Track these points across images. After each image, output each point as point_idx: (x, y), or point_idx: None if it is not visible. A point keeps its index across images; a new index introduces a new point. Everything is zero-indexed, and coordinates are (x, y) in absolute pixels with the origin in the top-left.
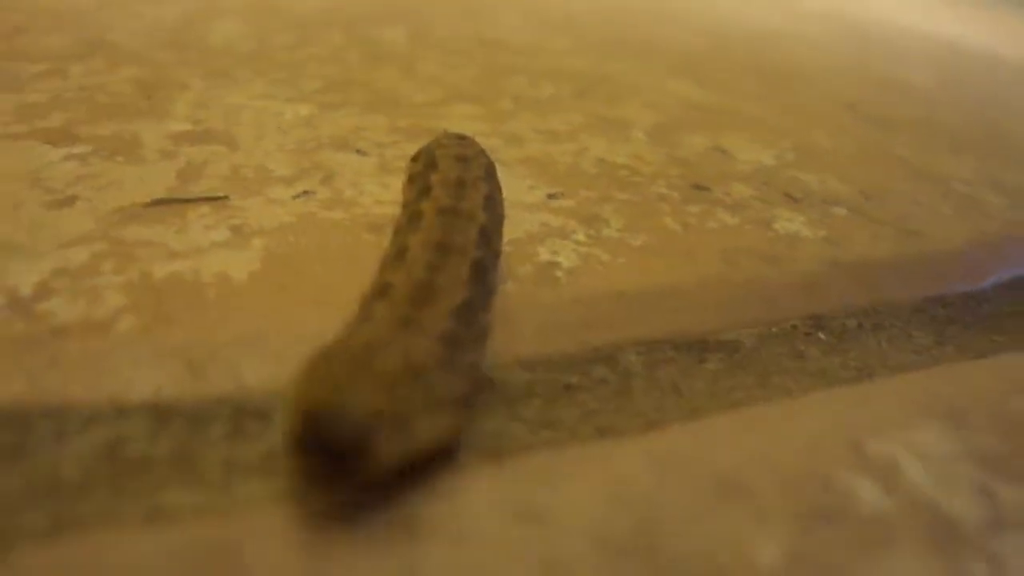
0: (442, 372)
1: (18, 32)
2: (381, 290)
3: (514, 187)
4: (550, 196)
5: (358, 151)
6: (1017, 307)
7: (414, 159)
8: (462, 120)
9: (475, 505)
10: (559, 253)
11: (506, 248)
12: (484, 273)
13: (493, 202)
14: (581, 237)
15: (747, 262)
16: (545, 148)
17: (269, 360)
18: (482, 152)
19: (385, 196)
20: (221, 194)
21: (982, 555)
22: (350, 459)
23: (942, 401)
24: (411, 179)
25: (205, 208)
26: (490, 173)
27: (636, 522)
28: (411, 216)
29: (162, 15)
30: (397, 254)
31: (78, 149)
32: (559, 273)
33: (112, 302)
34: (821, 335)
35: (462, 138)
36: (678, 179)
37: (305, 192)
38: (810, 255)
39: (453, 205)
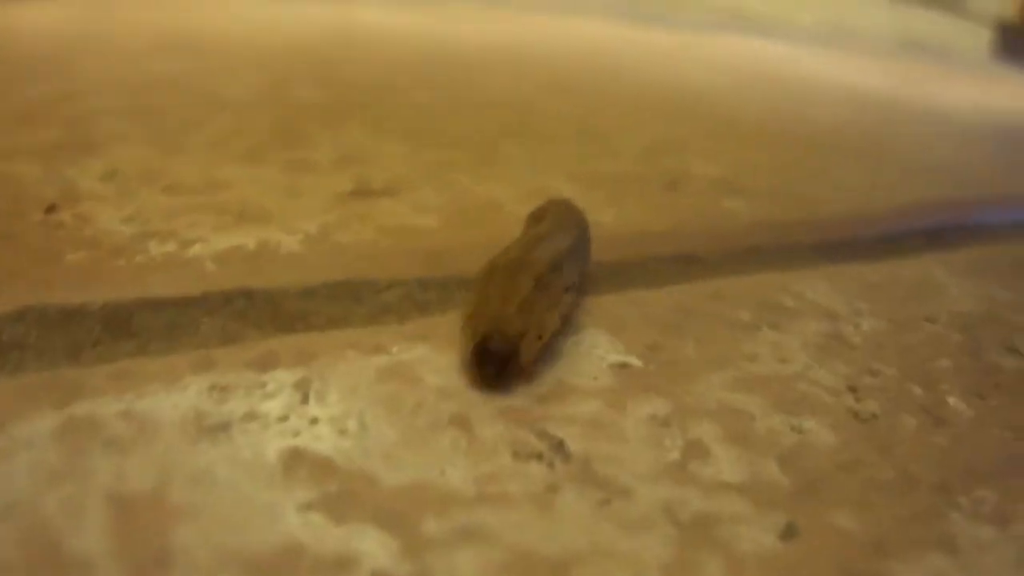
0: (556, 279)
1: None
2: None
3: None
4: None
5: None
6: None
7: (533, 213)
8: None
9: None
10: (602, 212)
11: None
12: (565, 262)
13: (582, 232)
14: (609, 212)
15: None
16: (597, 166)
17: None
18: (579, 211)
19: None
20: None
21: None
22: (509, 360)
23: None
24: (530, 219)
25: (386, 198)
26: (582, 223)
27: None
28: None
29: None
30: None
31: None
32: (606, 219)
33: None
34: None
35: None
36: (655, 177)
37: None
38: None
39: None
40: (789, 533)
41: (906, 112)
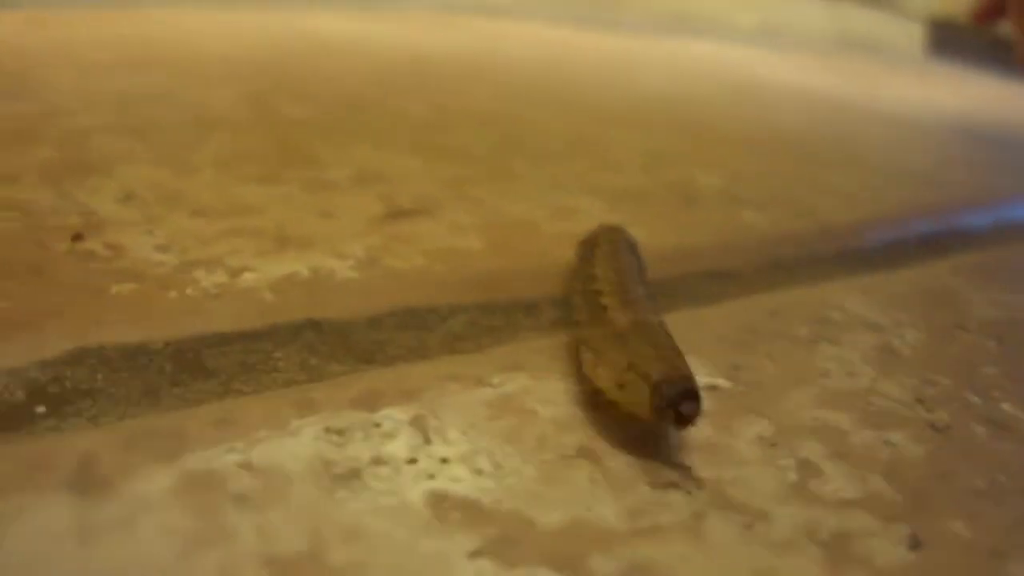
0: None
1: None
2: (590, 296)
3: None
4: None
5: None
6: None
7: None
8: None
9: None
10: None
11: None
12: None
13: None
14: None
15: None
16: (609, 179)
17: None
18: (625, 234)
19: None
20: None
21: None
22: (693, 410)
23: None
24: (582, 247)
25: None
26: (632, 243)
27: None
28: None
29: None
30: (586, 280)
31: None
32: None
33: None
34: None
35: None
36: (667, 191)
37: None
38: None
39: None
40: (915, 544)
41: (864, 113)
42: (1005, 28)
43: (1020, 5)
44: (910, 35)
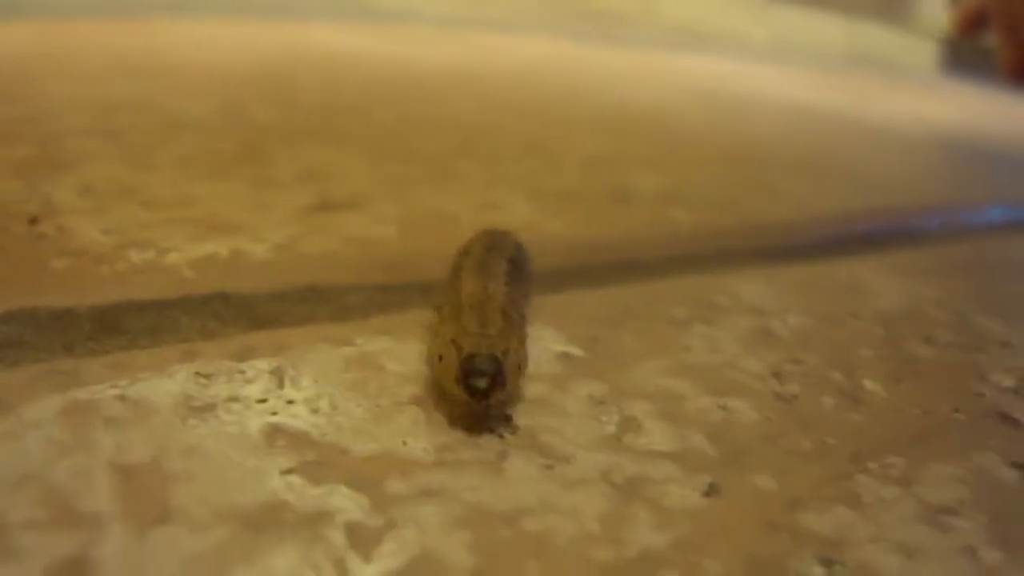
0: (513, 328)
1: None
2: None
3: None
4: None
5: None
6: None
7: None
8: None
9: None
10: (550, 223)
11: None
12: (518, 288)
13: (519, 250)
14: (558, 222)
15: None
16: (548, 180)
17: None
18: (510, 234)
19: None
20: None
21: None
22: (495, 380)
23: None
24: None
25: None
26: (517, 243)
27: None
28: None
29: None
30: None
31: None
32: (554, 229)
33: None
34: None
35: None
36: (601, 191)
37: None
38: (683, 223)
39: (487, 256)
40: (712, 491)
41: (850, 126)
42: (990, 39)
43: (1003, 15)
44: (924, 52)
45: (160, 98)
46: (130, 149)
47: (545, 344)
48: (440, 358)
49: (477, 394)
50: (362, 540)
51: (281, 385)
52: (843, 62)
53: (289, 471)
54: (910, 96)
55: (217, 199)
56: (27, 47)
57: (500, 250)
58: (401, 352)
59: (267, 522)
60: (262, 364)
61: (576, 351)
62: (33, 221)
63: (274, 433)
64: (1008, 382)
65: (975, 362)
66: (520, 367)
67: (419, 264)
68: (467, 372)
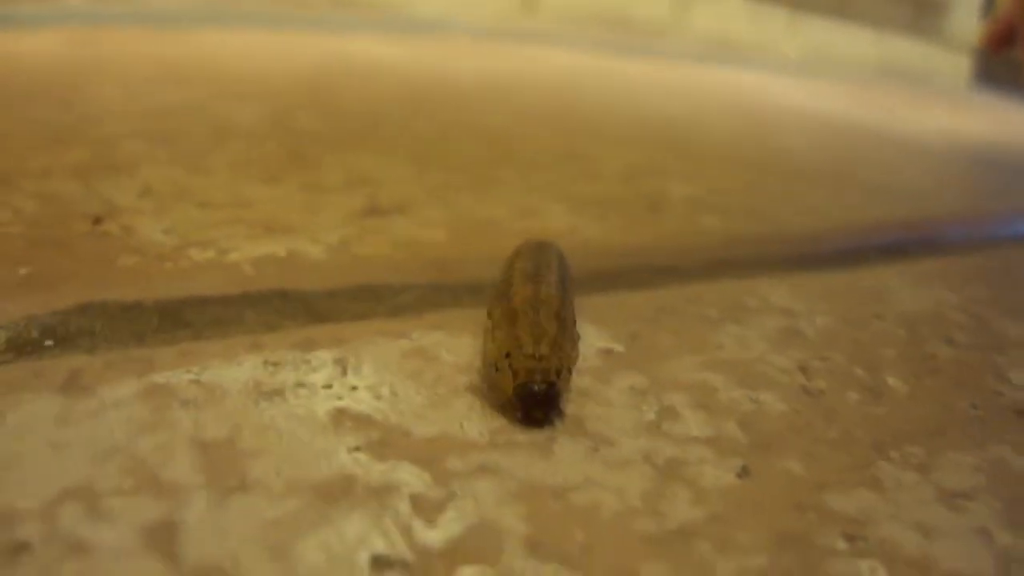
0: (568, 313)
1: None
2: (507, 300)
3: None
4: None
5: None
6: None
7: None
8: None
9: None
10: (589, 229)
11: None
12: (565, 294)
13: (562, 260)
14: (595, 228)
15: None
16: (584, 188)
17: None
18: (554, 244)
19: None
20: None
21: None
22: (550, 403)
23: None
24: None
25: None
26: (560, 252)
27: None
28: (510, 267)
29: None
30: (505, 283)
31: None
32: (593, 235)
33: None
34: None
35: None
36: (636, 198)
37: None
38: (712, 229)
39: (536, 263)
40: (744, 473)
41: (876, 138)
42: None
43: None
44: (955, 65)
45: (208, 104)
46: (182, 153)
47: (589, 341)
48: (496, 368)
49: (534, 421)
50: (426, 509)
51: (344, 373)
52: (873, 75)
53: (356, 449)
54: (939, 109)
55: (270, 202)
56: (75, 54)
57: (548, 256)
58: (455, 345)
59: (338, 493)
60: (325, 355)
61: (617, 347)
62: (97, 221)
63: (340, 415)
64: None
65: (994, 362)
66: (571, 371)
67: (467, 266)
68: (524, 400)
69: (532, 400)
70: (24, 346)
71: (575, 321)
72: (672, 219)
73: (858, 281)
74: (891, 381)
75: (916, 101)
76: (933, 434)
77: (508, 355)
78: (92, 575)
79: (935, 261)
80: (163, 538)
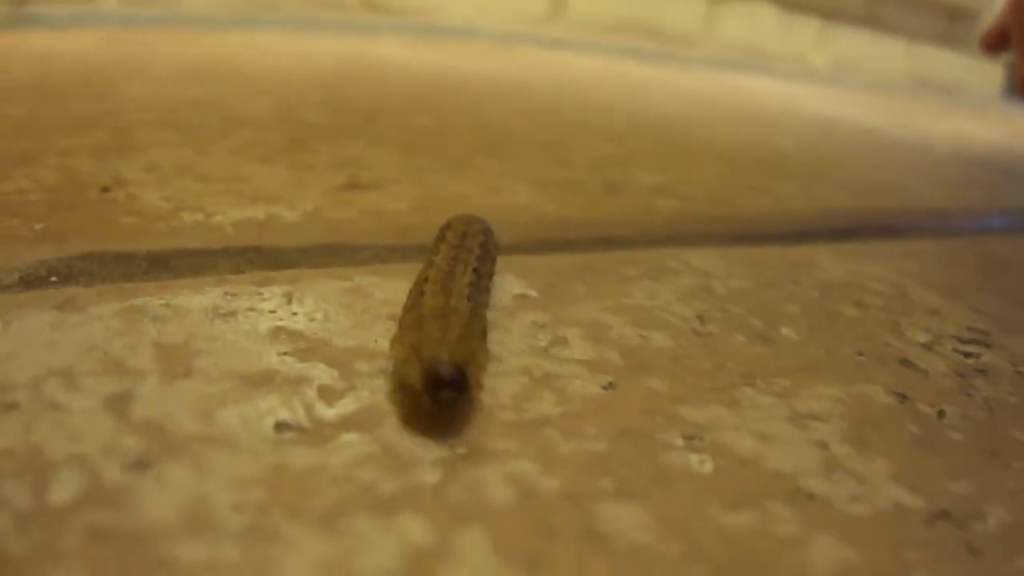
0: (477, 323)
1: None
2: (421, 283)
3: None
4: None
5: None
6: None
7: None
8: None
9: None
10: (544, 206)
11: None
12: (482, 270)
13: (488, 239)
14: (552, 204)
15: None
16: (553, 173)
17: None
18: (481, 220)
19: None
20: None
21: None
22: (457, 385)
23: None
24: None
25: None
26: (487, 229)
27: None
28: (434, 248)
29: None
30: (427, 266)
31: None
32: (547, 210)
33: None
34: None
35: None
36: (599, 183)
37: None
38: (667, 211)
39: (460, 242)
40: (610, 387)
41: (876, 141)
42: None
43: (1020, 31)
44: (987, 76)
45: (222, 99)
46: (192, 139)
47: (507, 288)
48: (404, 363)
49: (443, 403)
50: (328, 395)
51: (289, 303)
52: (904, 86)
53: (284, 353)
54: (960, 118)
55: (262, 178)
56: (109, 53)
57: (469, 244)
58: (388, 286)
59: (261, 380)
60: (277, 289)
61: (532, 293)
62: (105, 189)
63: (278, 331)
64: (922, 339)
65: (896, 322)
66: (480, 371)
67: (424, 231)
68: (432, 382)
69: (440, 382)
70: (33, 282)
71: (485, 331)
72: (629, 200)
73: (788, 255)
74: (785, 331)
75: (939, 110)
76: (806, 371)
77: (415, 348)
78: (63, 426)
79: (880, 244)
80: (118, 404)
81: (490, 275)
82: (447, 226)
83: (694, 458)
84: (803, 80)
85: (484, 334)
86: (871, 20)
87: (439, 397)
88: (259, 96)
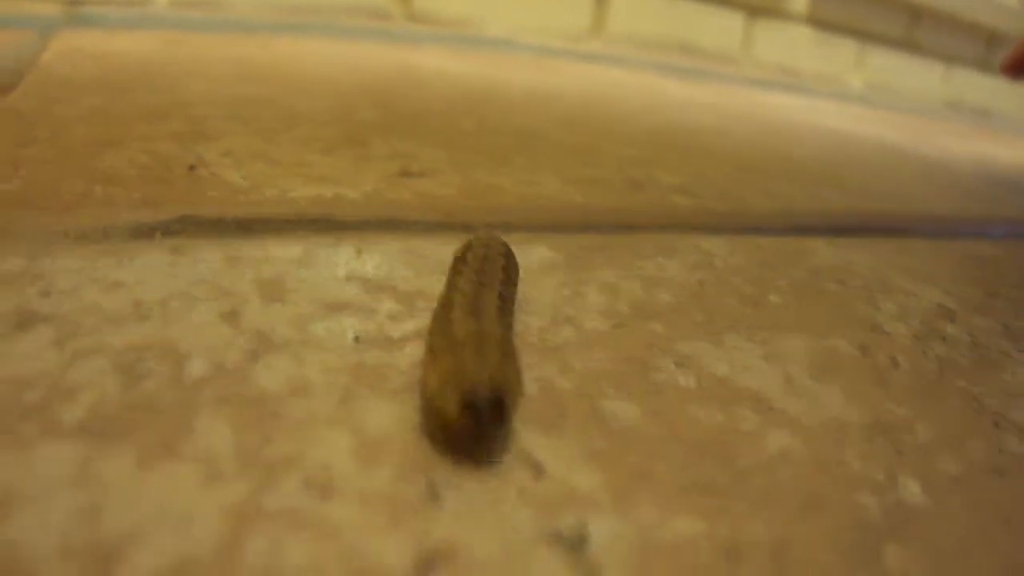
0: (510, 347)
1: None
2: (447, 307)
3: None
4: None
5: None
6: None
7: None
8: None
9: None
10: (572, 197)
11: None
12: (506, 293)
13: (509, 261)
14: (581, 196)
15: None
16: (583, 171)
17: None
18: (502, 241)
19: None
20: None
21: None
22: (499, 412)
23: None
24: (456, 260)
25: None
26: (508, 252)
27: None
28: (456, 269)
29: None
30: (450, 289)
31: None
32: (576, 200)
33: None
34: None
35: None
36: (623, 181)
37: None
38: (686, 209)
39: (482, 265)
40: (618, 327)
41: (894, 155)
42: None
43: None
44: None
45: (279, 98)
46: (258, 130)
47: (537, 257)
48: (437, 397)
49: (483, 440)
50: (394, 319)
51: (359, 256)
52: (940, 109)
53: (356, 292)
54: (988, 140)
55: (325, 165)
56: (165, 53)
57: (492, 267)
58: (440, 250)
59: (340, 307)
60: (348, 247)
61: (558, 259)
62: (191, 168)
63: (351, 276)
64: (894, 310)
65: (873, 297)
66: (515, 401)
67: (467, 212)
68: (472, 413)
69: (480, 414)
70: (141, 236)
71: (517, 354)
72: (648, 196)
73: (788, 244)
74: (772, 298)
75: (967, 132)
76: (784, 327)
77: (454, 374)
78: (189, 330)
79: (875, 240)
80: (230, 317)
81: (513, 298)
82: (467, 247)
83: (680, 376)
84: (836, 100)
85: (516, 357)
86: (908, 43)
87: (481, 433)
88: (312, 96)
